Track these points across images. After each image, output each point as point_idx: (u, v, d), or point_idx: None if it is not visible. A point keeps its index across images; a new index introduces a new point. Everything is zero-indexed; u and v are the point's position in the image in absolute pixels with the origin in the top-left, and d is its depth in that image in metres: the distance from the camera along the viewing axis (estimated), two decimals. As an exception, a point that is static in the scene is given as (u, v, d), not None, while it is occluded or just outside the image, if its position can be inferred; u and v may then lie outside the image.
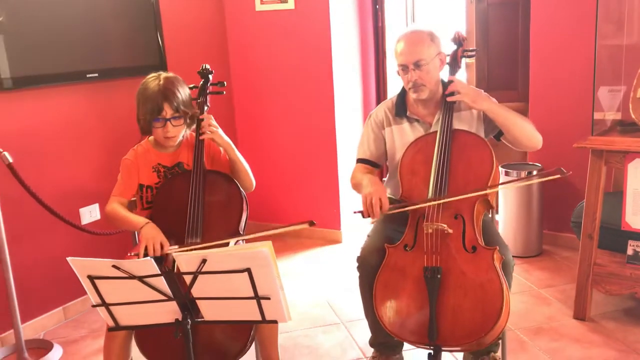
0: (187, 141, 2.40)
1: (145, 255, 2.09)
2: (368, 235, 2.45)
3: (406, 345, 2.51)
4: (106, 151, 3.41)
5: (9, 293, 2.80)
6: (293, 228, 2.08)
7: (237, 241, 2.27)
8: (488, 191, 2.18)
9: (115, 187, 2.35)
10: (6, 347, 2.94)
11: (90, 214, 3.37)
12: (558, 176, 2.09)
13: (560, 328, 2.85)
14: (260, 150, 4.27)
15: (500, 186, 3.44)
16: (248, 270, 1.59)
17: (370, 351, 2.68)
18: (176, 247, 2.15)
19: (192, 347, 1.81)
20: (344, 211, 4.24)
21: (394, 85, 4.40)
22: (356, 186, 2.46)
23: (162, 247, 2.12)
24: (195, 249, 2.08)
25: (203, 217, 2.23)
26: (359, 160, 2.54)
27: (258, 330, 2.27)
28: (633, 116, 2.69)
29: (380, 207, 2.19)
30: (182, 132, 2.34)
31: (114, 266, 1.59)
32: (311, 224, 2.03)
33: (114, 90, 3.43)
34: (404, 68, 2.34)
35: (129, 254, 2.26)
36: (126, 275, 1.60)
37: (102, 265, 1.61)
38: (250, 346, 2.20)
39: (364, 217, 2.24)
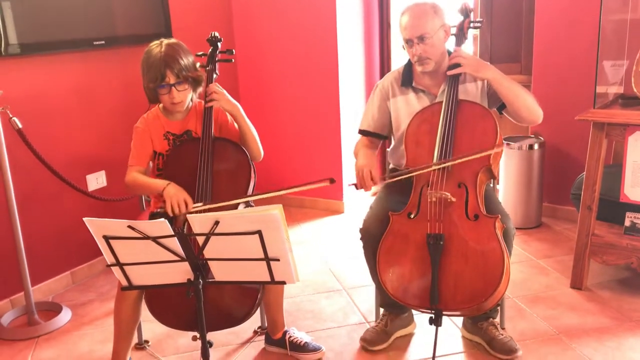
0: (196, 109, 2.42)
1: (168, 213, 2.15)
2: (370, 207, 2.51)
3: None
4: (113, 118, 3.44)
5: (19, 256, 2.86)
6: (313, 186, 2.08)
7: (247, 204, 2.33)
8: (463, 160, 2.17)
9: (131, 157, 2.36)
10: (17, 309, 3.01)
11: (97, 180, 3.41)
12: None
13: (557, 297, 2.92)
14: (264, 120, 4.29)
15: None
16: (259, 232, 1.64)
17: (370, 316, 2.76)
18: (200, 204, 2.20)
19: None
20: (347, 182, 4.28)
21: (398, 55, 4.41)
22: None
23: (186, 205, 2.17)
24: (216, 207, 2.13)
25: (212, 184, 2.27)
26: (361, 132, 2.59)
27: (264, 294, 2.34)
28: (635, 90, 2.72)
29: (372, 179, 2.27)
30: (189, 97, 2.35)
31: (129, 226, 1.64)
32: (332, 181, 2.06)
33: (120, 58, 3.45)
34: (409, 42, 2.36)
35: (151, 212, 2.29)
36: (141, 236, 1.65)
37: (117, 225, 1.65)
38: (256, 309, 2.27)
39: (357, 189, 2.32)
